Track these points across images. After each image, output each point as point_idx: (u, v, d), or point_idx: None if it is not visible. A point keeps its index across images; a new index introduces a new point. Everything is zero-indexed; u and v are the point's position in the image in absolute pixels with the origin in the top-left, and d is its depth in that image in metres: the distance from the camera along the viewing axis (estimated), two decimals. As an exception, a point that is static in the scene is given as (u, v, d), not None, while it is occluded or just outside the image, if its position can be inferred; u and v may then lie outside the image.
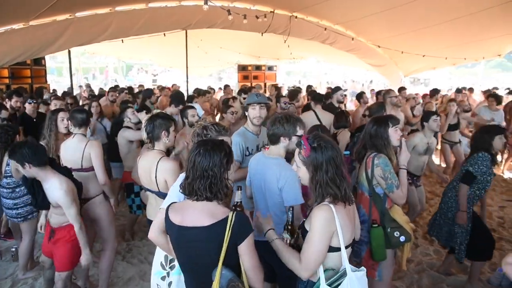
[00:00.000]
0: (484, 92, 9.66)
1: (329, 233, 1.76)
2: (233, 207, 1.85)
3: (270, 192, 2.50)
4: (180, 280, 2.08)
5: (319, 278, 1.80)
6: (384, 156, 2.74)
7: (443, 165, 7.35)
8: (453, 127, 6.52)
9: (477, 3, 7.13)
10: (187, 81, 10.94)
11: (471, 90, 11.13)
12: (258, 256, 1.74)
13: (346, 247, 1.82)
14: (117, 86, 12.46)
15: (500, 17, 7.65)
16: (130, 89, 10.24)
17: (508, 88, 11.48)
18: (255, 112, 3.12)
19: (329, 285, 1.76)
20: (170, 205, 1.86)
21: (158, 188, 2.78)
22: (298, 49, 12.58)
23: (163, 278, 2.22)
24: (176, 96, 5.88)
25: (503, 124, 7.36)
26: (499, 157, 8.44)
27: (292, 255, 1.86)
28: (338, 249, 1.80)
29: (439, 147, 7.09)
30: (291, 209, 2.04)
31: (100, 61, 29.39)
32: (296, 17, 8.42)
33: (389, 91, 5.98)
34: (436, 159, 7.39)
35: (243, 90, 7.60)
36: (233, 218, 1.67)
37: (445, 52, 9.93)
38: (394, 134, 2.80)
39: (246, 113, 3.22)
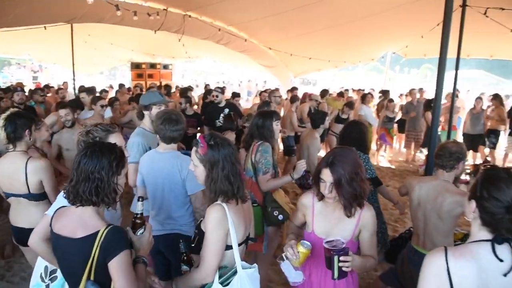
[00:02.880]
0: (358, 92, 10.88)
1: (223, 232, 1.79)
2: (133, 219, 1.80)
3: (172, 185, 2.54)
4: (60, 292, 1.94)
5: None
6: (268, 145, 3.09)
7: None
8: (341, 121, 7.23)
9: (353, 13, 8.02)
10: (74, 79, 10.12)
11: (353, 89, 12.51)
12: (133, 276, 1.61)
13: (240, 244, 1.86)
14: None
15: (373, 26, 8.72)
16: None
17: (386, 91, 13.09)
18: None
19: (221, 283, 1.78)
20: (57, 209, 1.75)
21: (29, 190, 2.61)
22: (193, 48, 12.56)
23: None
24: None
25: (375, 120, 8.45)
26: (373, 146, 9.66)
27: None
28: (232, 247, 1.84)
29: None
30: (181, 241, 2.03)
31: (-36, 55, 25.29)
32: (190, 16, 8.40)
33: (274, 91, 6.49)
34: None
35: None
36: (104, 233, 1.57)
37: (328, 56, 10.91)
38: (276, 127, 3.21)
39: (146, 112, 3.21)
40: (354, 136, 3.77)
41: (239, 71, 24.53)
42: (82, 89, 7.41)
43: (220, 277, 1.80)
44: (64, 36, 9.34)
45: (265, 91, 8.46)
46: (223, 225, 1.79)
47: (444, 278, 1.32)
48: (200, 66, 29.89)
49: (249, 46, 9.89)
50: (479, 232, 1.38)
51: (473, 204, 1.38)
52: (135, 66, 14.60)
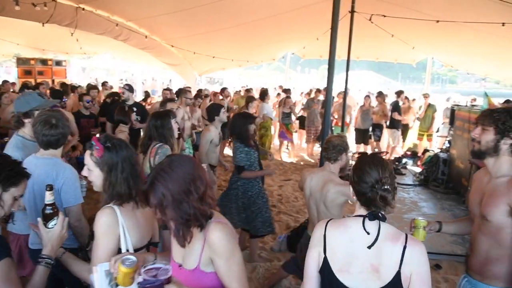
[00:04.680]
0: (246, 91, 11.27)
1: (113, 237, 1.71)
2: (43, 209, 1.67)
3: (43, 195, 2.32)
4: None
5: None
6: (168, 147, 3.04)
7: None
8: None
9: (254, 14, 8.26)
10: None
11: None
12: (18, 284, 1.49)
13: (139, 249, 1.79)
14: None
15: (273, 27, 9.09)
16: None
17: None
18: None
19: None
20: None
21: None
22: (89, 44, 11.74)
23: None
24: None
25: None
26: (277, 141, 10.10)
27: (82, 267, 1.79)
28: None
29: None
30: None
31: None
32: (83, 9, 7.81)
33: (185, 91, 6.41)
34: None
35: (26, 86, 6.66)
36: None
37: (231, 55, 11.07)
38: (175, 125, 3.21)
39: (27, 120, 2.78)
40: (237, 128, 4.01)
41: (144, 69, 23.64)
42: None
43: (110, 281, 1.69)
44: None
45: (166, 89, 8.34)
46: (113, 229, 1.70)
47: (321, 243, 1.57)
48: (101, 63, 28.04)
49: (150, 43, 9.57)
50: (359, 209, 1.57)
51: (351, 188, 1.59)
52: (22, 62, 13.14)
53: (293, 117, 9.74)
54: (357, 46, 8.69)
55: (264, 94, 8.77)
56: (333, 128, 9.40)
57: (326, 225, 1.59)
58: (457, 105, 8.10)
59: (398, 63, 14.56)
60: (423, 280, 1.44)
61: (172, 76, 22.20)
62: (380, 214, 1.49)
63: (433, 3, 7.42)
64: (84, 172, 1.83)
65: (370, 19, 8.02)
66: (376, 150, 9.37)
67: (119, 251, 1.74)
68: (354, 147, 9.91)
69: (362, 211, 1.54)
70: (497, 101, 8.19)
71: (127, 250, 1.73)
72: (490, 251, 1.90)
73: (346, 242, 1.51)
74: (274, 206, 6.09)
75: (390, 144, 9.70)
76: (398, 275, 1.44)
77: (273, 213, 5.66)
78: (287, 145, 9.95)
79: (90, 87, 8.65)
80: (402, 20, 7.57)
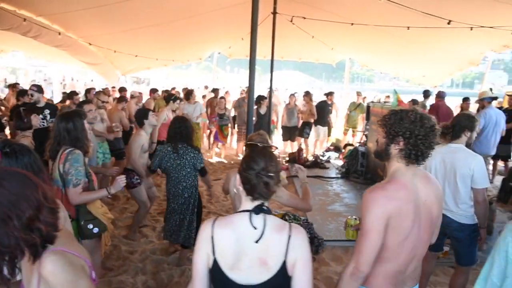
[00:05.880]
0: (184, 90, 11.10)
1: None
2: None
3: None
4: None
5: None
6: (79, 153, 2.81)
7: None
8: None
9: (178, 13, 8.09)
10: None
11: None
12: None
13: None
14: None
15: (198, 26, 8.97)
16: None
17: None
18: None
19: None
20: None
21: None
22: (-6, 41, 10.62)
23: None
24: None
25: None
26: (206, 141, 10.02)
27: None
28: None
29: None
30: None
31: None
32: (-17, 2, 7.03)
33: (99, 93, 6.15)
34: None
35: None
36: None
37: (156, 54, 10.75)
38: (87, 126, 2.98)
39: None
40: (183, 131, 3.93)
41: (62, 69, 22.02)
42: None
43: None
44: None
45: (91, 89, 7.90)
46: None
47: (210, 244, 1.53)
48: (11, 62, 25.59)
49: (65, 40, 8.86)
50: (245, 202, 1.60)
51: (238, 176, 1.62)
52: None
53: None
54: (281, 46, 8.96)
55: (188, 94, 8.68)
56: (271, 127, 9.61)
57: (213, 225, 1.56)
58: (372, 102, 8.75)
59: (320, 63, 15.27)
60: (307, 265, 1.52)
61: (94, 76, 20.98)
62: (264, 207, 1.55)
63: (348, 7, 7.89)
64: None
65: (291, 21, 8.31)
66: (303, 146, 9.73)
67: None
68: (281, 144, 10.22)
69: (248, 205, 1.57)
70: (406, 98, 9.01)
71: None
72: None
73: (235, 240, 1.52)
74: (204, 206, 6.04)
75: (318, 140, 10.17)
76: (284, 264, 1.50)
77: (203, 214, 5.62)
78: (217, 145, 9.92)
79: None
80: (321, 22, 7.95)
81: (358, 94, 11.26)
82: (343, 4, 7.84)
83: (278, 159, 1.64)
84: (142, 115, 4.62)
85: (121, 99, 7.24)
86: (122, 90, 9.73)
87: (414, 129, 1.73)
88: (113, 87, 11.83)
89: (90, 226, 2.84)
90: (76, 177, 2.73)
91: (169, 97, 7.29)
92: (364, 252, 1.72)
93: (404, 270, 1.83)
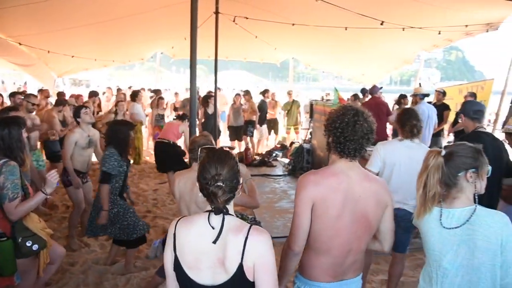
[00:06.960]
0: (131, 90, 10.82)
1: None
2: None
3: None
4: None
5: None
6: (14, 164, 2.60)
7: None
8: None
9: (116, 11, 7.77)
10: None
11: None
12: None
13: None
14: None
15: (138, 25, 8.69)
16: None
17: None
18: None
19: None
20: None
21: None
22: None
23: None
24: None
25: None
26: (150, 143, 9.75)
27: None
28: None
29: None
30: None
31: None
32: None
33: (29, 95, 5.79)
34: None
35: None
36: None
37: (94, 54, 10.27)
38: (25, 136, 2.78)
39: None
40: (119, 136, 3.81)
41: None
42: None
43: None
44: None
45: (22, 92, 7.37)
46: None
47: (172, 241, 1.57)
48: None
49: (-11, 40, 8.22)
50: (207, 204, 1.59)
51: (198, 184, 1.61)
52: None
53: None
54: (225, 46, 8.93)
55: (134, 95, 8.56)
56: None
57: (177, 223, 1.60)
58: (315, 100, 9.01)
59: (265, 62, 15.45)
60: (267, 270, 1.49)
61: (28, 78, 19.58)
62: (224, 209, 1.53)
63: (290, 8, 8.05)
64: None
65: (234, 20, 8.31)
66: (250, 145, 9.80)
67: None
68: (229, 144, 10.21)
69: (209, 206, 1.56)
70: (346, 96, 9.40)
71: None
72: None
73: (194, 239, 1.53)
74: (149, 211, 5.90)
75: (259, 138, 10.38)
76: (240, 267, 1.47)
77: (148, 219, 5.47)
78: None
79: None
80: (264, 22, 8.04)
81: (289, 93, 11.59)
82: (285, 5, 7.98)
83: (234, 160, 1.58)
84: (75, 113, 4.57)
85: (59, 102, 6.81)
86: (60, 94, 9.27)
87: (335, 123, 1.83)
88: (40, 90, 11.12)
89: (29, 243, 2.59)
90: (12, 190, 2.52)
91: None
92: (293, 233, 1.87)
93: (341, 263, 1.89)
